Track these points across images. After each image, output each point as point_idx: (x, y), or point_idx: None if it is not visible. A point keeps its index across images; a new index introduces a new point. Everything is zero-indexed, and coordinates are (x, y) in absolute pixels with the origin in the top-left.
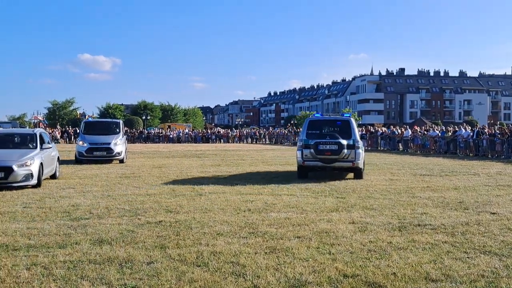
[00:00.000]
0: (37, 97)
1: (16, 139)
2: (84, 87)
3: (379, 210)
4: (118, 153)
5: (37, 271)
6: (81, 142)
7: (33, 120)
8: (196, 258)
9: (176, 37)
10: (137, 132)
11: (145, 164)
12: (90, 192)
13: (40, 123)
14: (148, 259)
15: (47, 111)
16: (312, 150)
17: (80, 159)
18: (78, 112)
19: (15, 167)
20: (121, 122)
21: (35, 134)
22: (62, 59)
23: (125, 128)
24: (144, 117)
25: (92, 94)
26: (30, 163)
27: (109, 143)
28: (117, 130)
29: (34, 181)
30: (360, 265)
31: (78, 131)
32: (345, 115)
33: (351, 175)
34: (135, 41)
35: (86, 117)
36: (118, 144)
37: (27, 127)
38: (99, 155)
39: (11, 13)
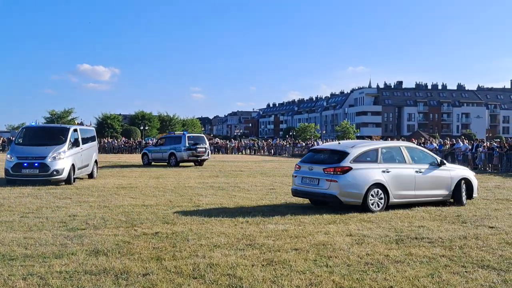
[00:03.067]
0: (37, 107)
1: None
2: (83, 97)
3: (376, 223)
4: (57, 171)
5: (33, 281)
6: (9, 156)
7: None
8: (193, 270)
9: (175, 48)
10: (135, 142)
11: (142, 175)
12: (86, 203)
13: None
14: (144, 271)
15: (45, 121)
16: (193, 151)
17: (6, 179)
18: (76, 121)
19: None
20: (72, 128)
21: None
22: (62, 69)
23: (92, 137)
24: (142, 127)
25: (91, 104)
26: None
27: (44, 157)
28: (63, 139)
29: None
30: (357, 278)
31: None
32: (185, 132)
33: None
34: (134, 51)
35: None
36: (59, 158)
37: None
38: (29, 174)
39: (12, 22)
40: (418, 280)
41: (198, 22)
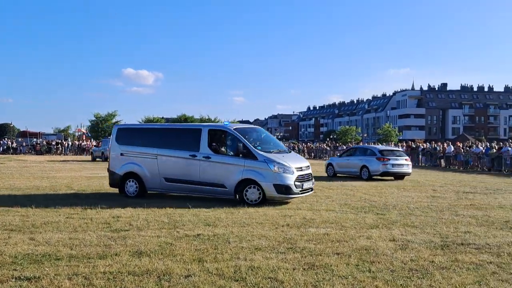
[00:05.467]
0: (82, 111)
1: None
2: (127, 100)
3: (421, 228)
4: (313, 182)
5: (78, 281)
6: (276, 168)
7: (76, 133)
8: (234, 272)
9: (216, 52)
10: None
11: None
12: (129, 204)
13: (84, 136)
14: (186, 272)
15: (90, 124)
16: None
17: (286, 198)
18: None
19: None
20: None
21: None
22: (107, 73)
23: None
24: None
25: (135, 107)
26: None
27: (308, 166)
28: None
29: None
30: (401, 284)
31: (228, 143)
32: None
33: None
34: (177, 56)
35: None
36: None
37: (69, 139)
38: (308, 188)
39: (57, 27)
40: (465, 287)
41: (237, 25)
